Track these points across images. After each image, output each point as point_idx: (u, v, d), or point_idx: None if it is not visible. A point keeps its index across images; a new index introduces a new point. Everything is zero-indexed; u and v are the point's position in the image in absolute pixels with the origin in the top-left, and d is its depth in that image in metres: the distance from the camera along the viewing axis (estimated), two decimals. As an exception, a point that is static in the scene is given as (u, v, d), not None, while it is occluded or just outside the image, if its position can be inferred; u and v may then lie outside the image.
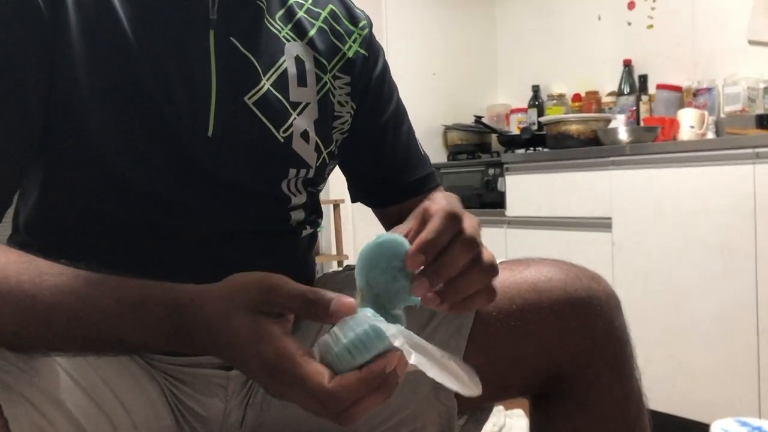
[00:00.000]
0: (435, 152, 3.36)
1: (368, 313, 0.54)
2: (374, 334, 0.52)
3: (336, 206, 2.88)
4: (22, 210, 0.82)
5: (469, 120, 3.35)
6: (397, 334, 0.52)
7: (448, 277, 0.60)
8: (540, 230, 2.59)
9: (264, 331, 0.54)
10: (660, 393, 2.15)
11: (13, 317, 0.58)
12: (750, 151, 2.02)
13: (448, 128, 3.37)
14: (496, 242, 2.70)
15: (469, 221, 0.64)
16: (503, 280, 0.82)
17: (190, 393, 0.81)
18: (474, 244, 0.61)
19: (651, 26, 2.94)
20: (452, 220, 0.60)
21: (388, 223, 0.96)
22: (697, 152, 2.16)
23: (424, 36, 3.33)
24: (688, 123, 2.53)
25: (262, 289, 0.56)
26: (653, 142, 2.42)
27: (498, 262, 0.85)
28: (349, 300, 0.54)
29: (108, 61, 0.73)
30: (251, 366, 0.55)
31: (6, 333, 0.59)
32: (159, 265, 0.71)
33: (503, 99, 3.57)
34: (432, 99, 3.35)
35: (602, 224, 2.37)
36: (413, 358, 0.52)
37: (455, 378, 0.56)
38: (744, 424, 1.14)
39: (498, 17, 3.59)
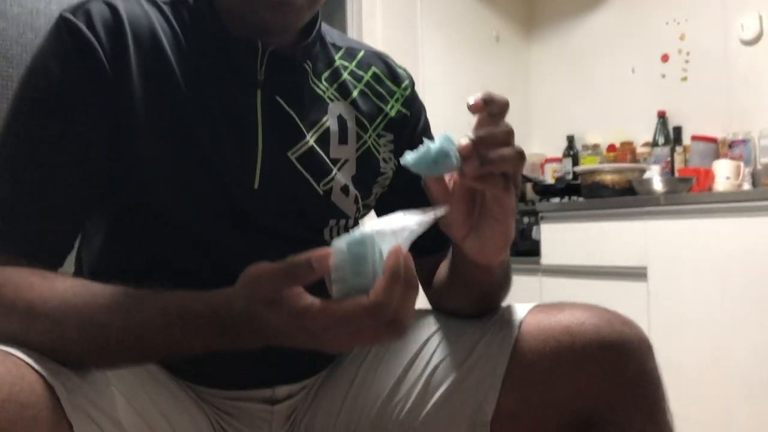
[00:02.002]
0: (470, 200, 3.40)
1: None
2: (356, 243, 0.57)
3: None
4: (85, 254, 0.88)
5: (504, 169, 3.40)
6: (366, 228, 0.58)
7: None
8: (575, 279, 2.59)
9: (291, 311, 0.58)
10: (698, 446, 2.12)
11: (77, 337, 0.65)
12: (786, 202, 2.02)
13: (483, 177, 3.41)
14: (531, 290, 2.71)
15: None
16: (537, 322, 0.85)
17: (237, 425, 0.85)
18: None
19: (685, 78, 2.97)
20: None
21: (423, 273, 0.99)
22: (732, 203, 2.16)
23: (459, 86, 3.40)
24: (724, 174, 2.53)
25: (249, 284, 0.61)
26: (688, 192, 2.43)
27: (532, 305, 0.89)
28: (324, 251, 0.58)
29: (164, 118, 0.79)
30: (302, 339, 0.60)
31: (72, 353, 0.65)
32: None
33: (538, 148, 3.61)
34: (467, 148, 3.40)
35: (638, 274, 2.37)
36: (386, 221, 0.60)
37: (427, 215, 0.63)
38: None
39: (532, 68, 3.66)
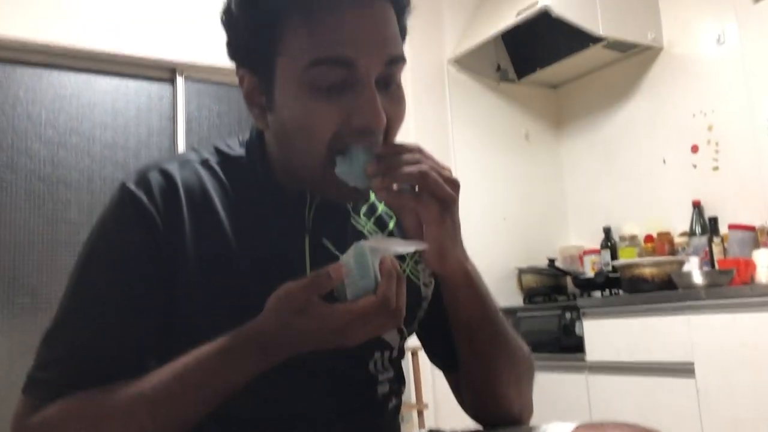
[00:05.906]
0: (510, 295, 3.40)
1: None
2: (360, 255, 0.73)
3: (414, 354, 2.91)
4: None
5: (543, 262, 3.41)
6: (363, 242, 0.75)
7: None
8: (622, 376, 2.55)
9: (318, 315, 0.72)
10: None
11: (146, 415, 0.76)
12: (830, 293, 2.00)
13: (522, 271, 3.42)
14: (578, 389, 2.67)
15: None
16: (580, 444, 0.87)
17: None
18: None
19: (716, 168, 3.00)
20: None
21: (456, 388, 1.02)
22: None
23: (493, 182, 3.47)
24: (766, 263, 2.52)
25: (282, 298, 0.74)
26: (729, 284, 2.41)
27: (575, 425, 0.91)
28: (336, 264, 0.74)
29: (215, 270, 0.84)
30: (327, 338, 0.74)
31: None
32: None
33: (575, 240, 3.63)
34: (504, 243, 3.44)
35: (685, 369, 2.33)
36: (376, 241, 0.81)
37: (410, 245, 0.82)
38: None
39: (564, 162, 3.73)
